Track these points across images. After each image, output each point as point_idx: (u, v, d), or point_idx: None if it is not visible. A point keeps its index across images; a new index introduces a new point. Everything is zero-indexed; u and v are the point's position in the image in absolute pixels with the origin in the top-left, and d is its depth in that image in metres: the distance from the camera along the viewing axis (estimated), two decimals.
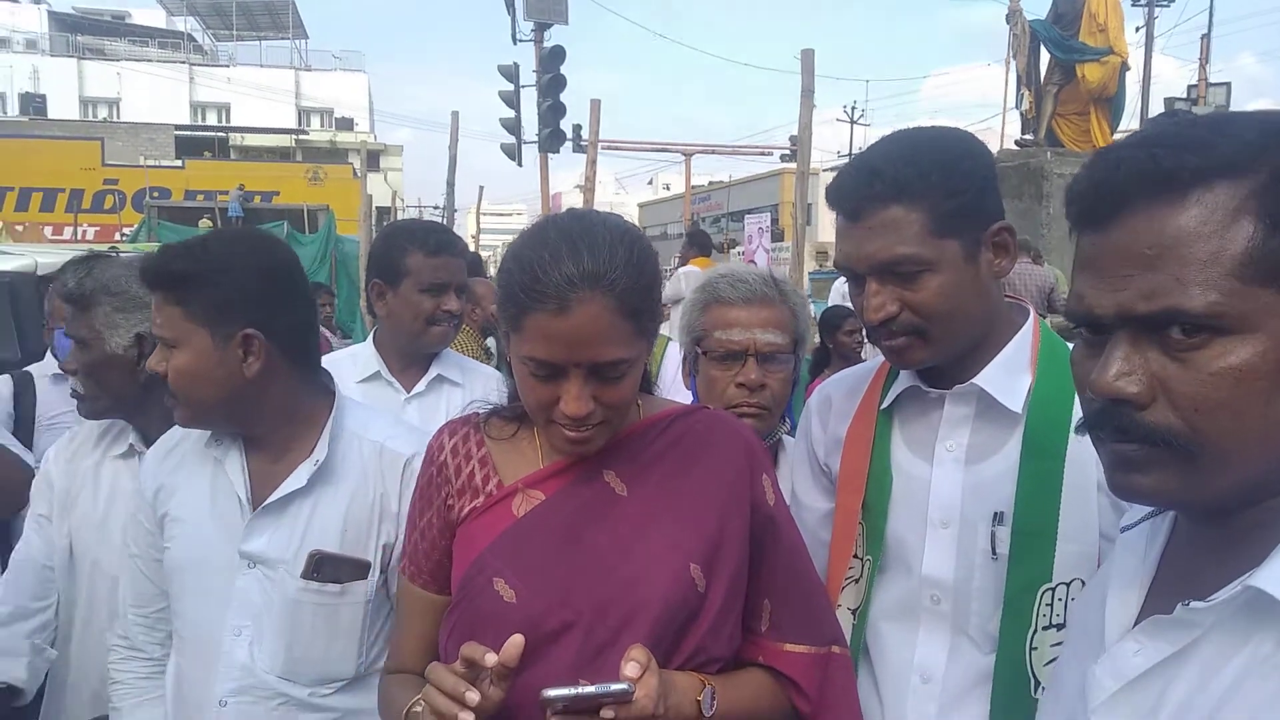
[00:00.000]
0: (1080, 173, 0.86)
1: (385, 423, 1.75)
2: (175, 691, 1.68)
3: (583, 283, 1.17)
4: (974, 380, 1.38)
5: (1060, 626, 1.30)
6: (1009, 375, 1.37)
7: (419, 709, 1.22)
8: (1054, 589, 1.31)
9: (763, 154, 35.53)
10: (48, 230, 25.94)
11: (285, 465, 1.63)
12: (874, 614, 1.46)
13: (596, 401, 1.23)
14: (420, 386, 2.42)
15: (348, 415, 1.69)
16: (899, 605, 1.43)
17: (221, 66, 44.55)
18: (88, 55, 42.31)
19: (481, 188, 19.62)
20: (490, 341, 4.65)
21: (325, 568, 1.59)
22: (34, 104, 37.79)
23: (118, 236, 20.68)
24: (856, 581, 1.47)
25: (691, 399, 1.88)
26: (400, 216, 29.48)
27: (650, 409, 1.40)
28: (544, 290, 1.18)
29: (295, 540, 1.59)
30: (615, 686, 1.12)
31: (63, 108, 38.86)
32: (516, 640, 1.14)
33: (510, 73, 13.92)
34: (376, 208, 15.72)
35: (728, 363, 1.77)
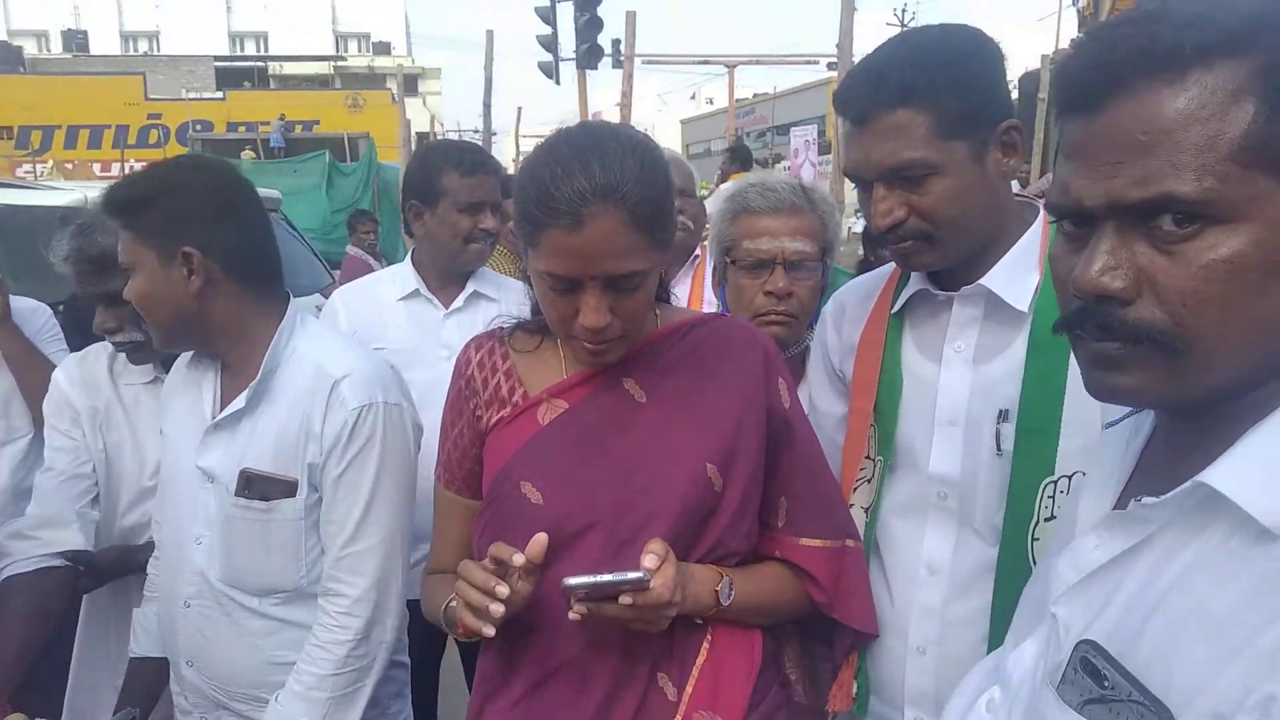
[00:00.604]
0: (1069, 53, 0.82)
1: (331, 344, 1.76)
2: (160, 593, 1.86)
3: (594, 197, 1.20)
4: (980, 281, 1.39)
5: None
6: (1016, 275, 1.38)
7: (455, 603, 1.30)
8: (1056, 482, 1.34)
9: (809, 63, 34.46)
10: (95, 167, 26.32)
11: (241, 384, 1.70)
12: (884, 511, 1.51)
13: (613, 313, 1.27)
14: (458, 302, 2.49)
15: (298, 336, 1.73)
16: (908, 502, 1.48)
17: None
18: None
19: (520, 109, 19.47)
20: None
21: (254, 485, 1.66)
22: (76, 40, 38.06)
23: None
24: (869, 481, 1.52)
25: (720, 308, 1.91)
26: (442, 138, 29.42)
27: (668, 318, 1.45)
28: (557, 206, 1.21)
29: (234, 458, 1.67)
30: (632, 575, 1.19)
31: (104, 43, 39.09)
32: (540, 539, 1.22)
33: None
34: (415, 133, 15.71)
35: (756, 271, 1.78)
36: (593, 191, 1.20)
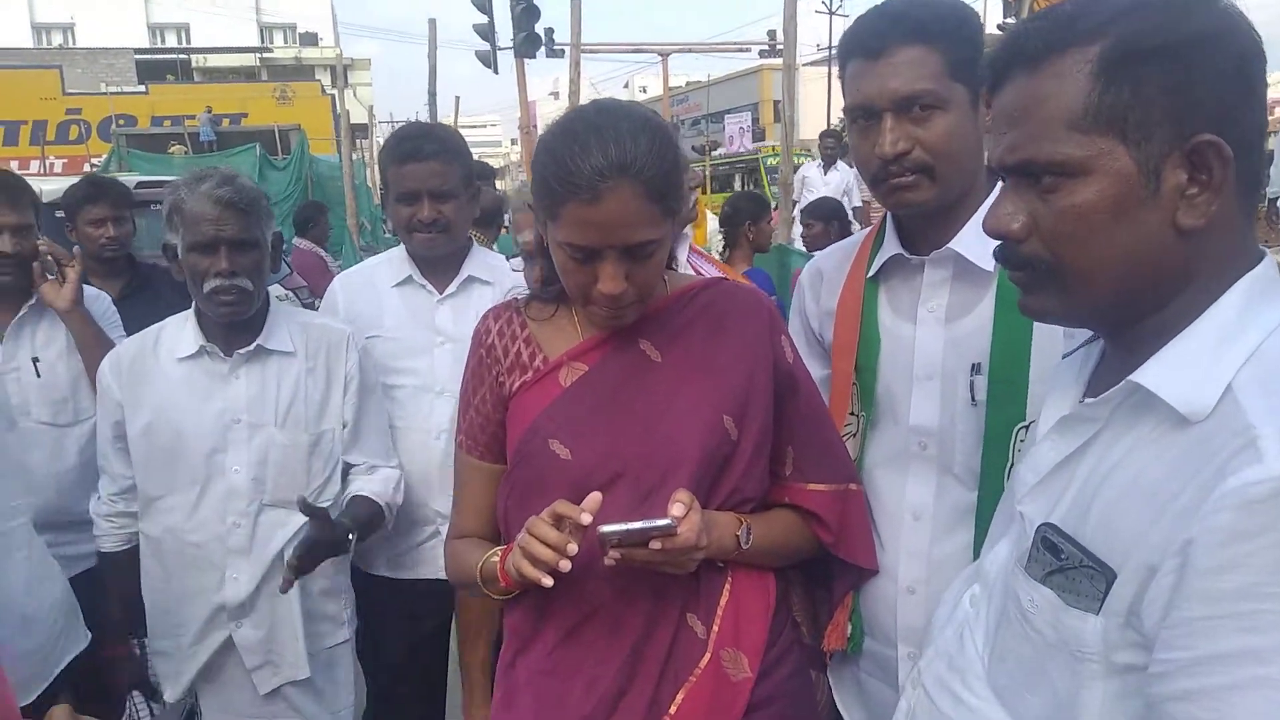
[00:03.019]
0: (993, 45, 1.04)
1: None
2: None
3: (611, 172, 1.29)
4: (949, 245, 1.52)
5: None
6: (982, 237, 1.49)
7: (495, 559, 1.42)
8: (1027, 427, 1.47)
9: (741, 50, 34.88)
10: (14, 165, 25.39)
11: None
12: (869, 463, 1.63)
13: (629, 280, 1.37)
14: (451, 288, 2.51)
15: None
16: (891, 453, 1.61)
17: None
18: None
19: (458, 98, 19.30)
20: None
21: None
22: None
23: (86, 168, 20.28)
24: (854, 436, 1.64)
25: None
26: (377, 132, 28.96)
27: (675, 283, 1.55)
28: (576, 181, 1.30)
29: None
30: (661, 522, 1.30)
31: (14, 35, 37.62)
32: (595, 496, 1.31)
33: None
34: (344, 126, 15.49)
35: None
36: (609, 167, 1.29)
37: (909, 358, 1.56)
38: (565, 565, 1.29)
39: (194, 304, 2.17)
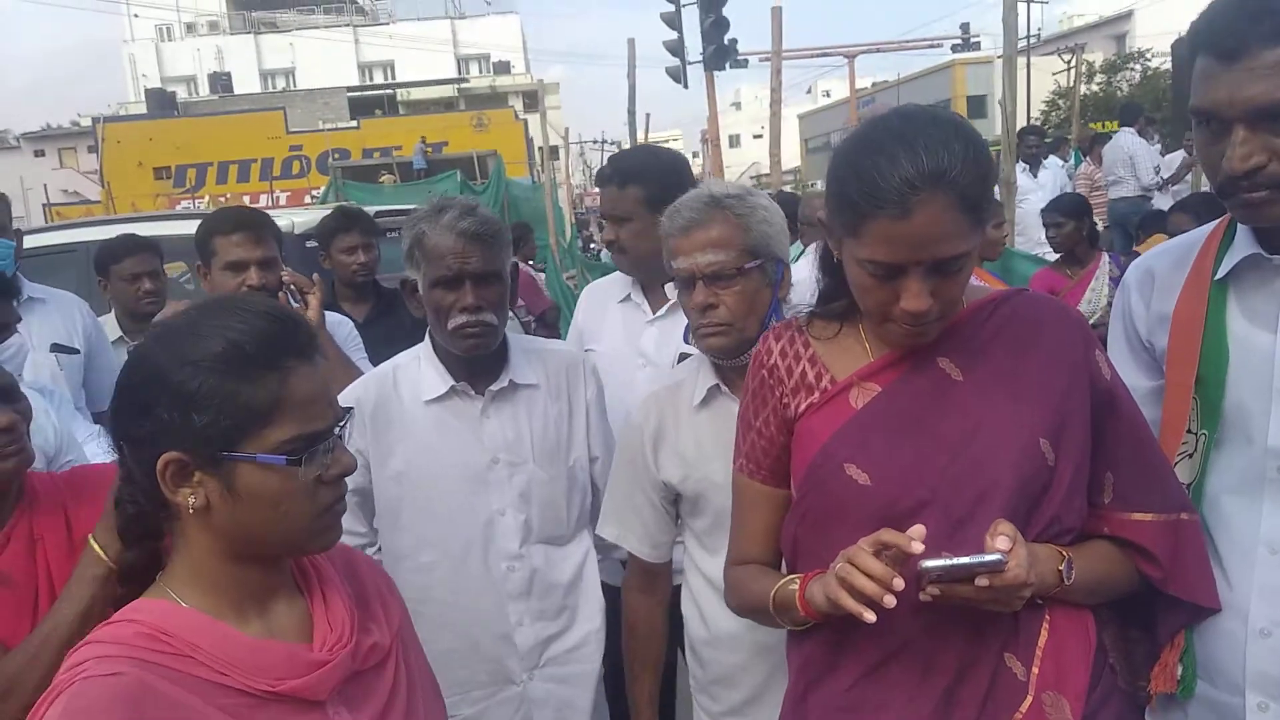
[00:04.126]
0: None
1: None
2: None
3: (923, 184, 1.19)
4: None
5: None
6: None
7: (794, 587, 1.34)
8: None
9: (933, 46, 33.67)
10: (245, 199, 27.91)
11: None
12: (1211, 488, 1.44)
13: (933, 296, 1.26)
14: (663, 310, 2.47)
15: None
16: (1242, 478, 1.41)
17: (382, 25, 46.16)
18: (263, 30, 44.83)
19: (648, 115, 19.56)
20: None
21: None
22: (221, 82, 40.52)
23: (307, 199, 22.00)
24: (1190, 456, 1.45)
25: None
26: (566, 155, 29.93)
27: (972, 295, 1.42)
28: (884, 195, 1.21)
29: None
30: (990, 557, 1.18)
31: (245, 82, 41.48)
32: (920, 528, 1.21)
33: None
34: (539, 148, 16.04)
35: (685, 290, 1.81)
36: (920, 178, 1.19)
37: (1268, 370, 1.36)
38: (890, 601, 1.19)
39: (428, 340, 2.09)
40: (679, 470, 1.87)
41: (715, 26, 13.00)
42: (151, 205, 23.83)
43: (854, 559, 1.23)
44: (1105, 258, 4.73)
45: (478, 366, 2.04)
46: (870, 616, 1.20)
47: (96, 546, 1.37)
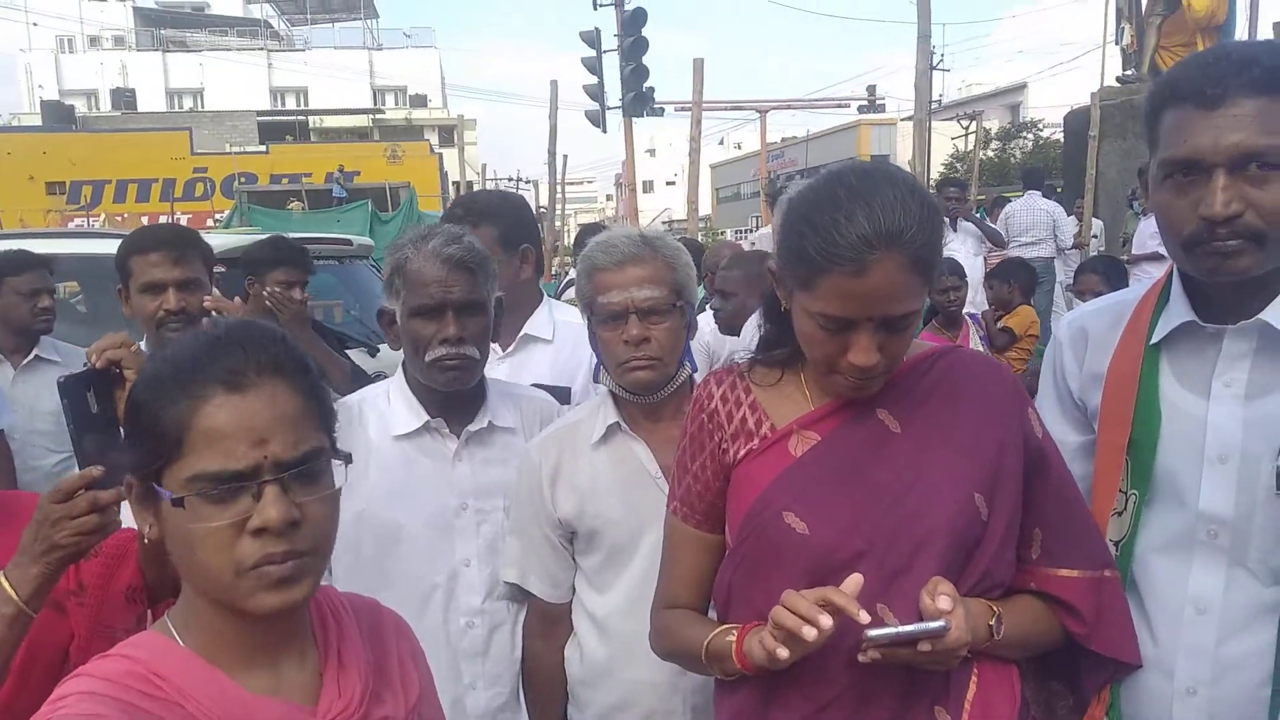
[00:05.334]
0: None
1: None
2: None
3: (880, 243, 1.21)
4: (1260, 316, 1.36)
5: None
6: None
7: (731, 638, 1.33)
8: None
9: (840, 106, 34.87)
10: (144, 220, 26.88)
11: None
12: (1140, 547, 1.47)
13: (881, 351, 1.28)
14: (511, 347, 2.49)
15: None
16: (1171, 539, 1.44)
17: (297, 51, 45.43)
18: (171, 48, 43.57)
19: (565, 156, 19.61)
20: None
21: None
22: (124, 98, 39.12)
23: (209, 223, 21.32)
24: (1119, 514, 1.49)
25: (596, 361, 1.93)
26: (481, 188, 29.81)
27: (910, 350, 1.44)
28: (841, 253, 1.22)
29: None
30: (934, 625, 1.20)
31: (151, 100, 40.15)
32: (857, 579, 1.21)
33: (591, 38, 13.90)
34: (454, 183, 15.96)
35: (613, 323, 1.80)
36: (878, 238, 1.21)
37: (1199, 436, 1.41)
38: (810, 633, 1.17)
39: (400, 373, 1.99)
40: (575, 506, 1.85)
41: (635, 74, 13.21)
42: (42, 221, 22.72)
43: (787, 601, 1.23)
44: (970, 322, 5.03)
45: (454, 404, 1.93)
46: (783, 653, 1.20)
47: (7, 585, 1.26)
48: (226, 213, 18.56)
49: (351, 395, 2.06)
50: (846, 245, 1.22)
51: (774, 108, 33.45)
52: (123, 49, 43.78)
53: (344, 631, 1.13)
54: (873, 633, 1.20)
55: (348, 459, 1.08)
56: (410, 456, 1.92)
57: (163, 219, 25.91)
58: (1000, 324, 5.47)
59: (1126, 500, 1.48)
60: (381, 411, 1.96)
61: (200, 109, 39.06)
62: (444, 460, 1.93)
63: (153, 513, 1.02)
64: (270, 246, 3.54)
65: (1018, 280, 5.66)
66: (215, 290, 2.65)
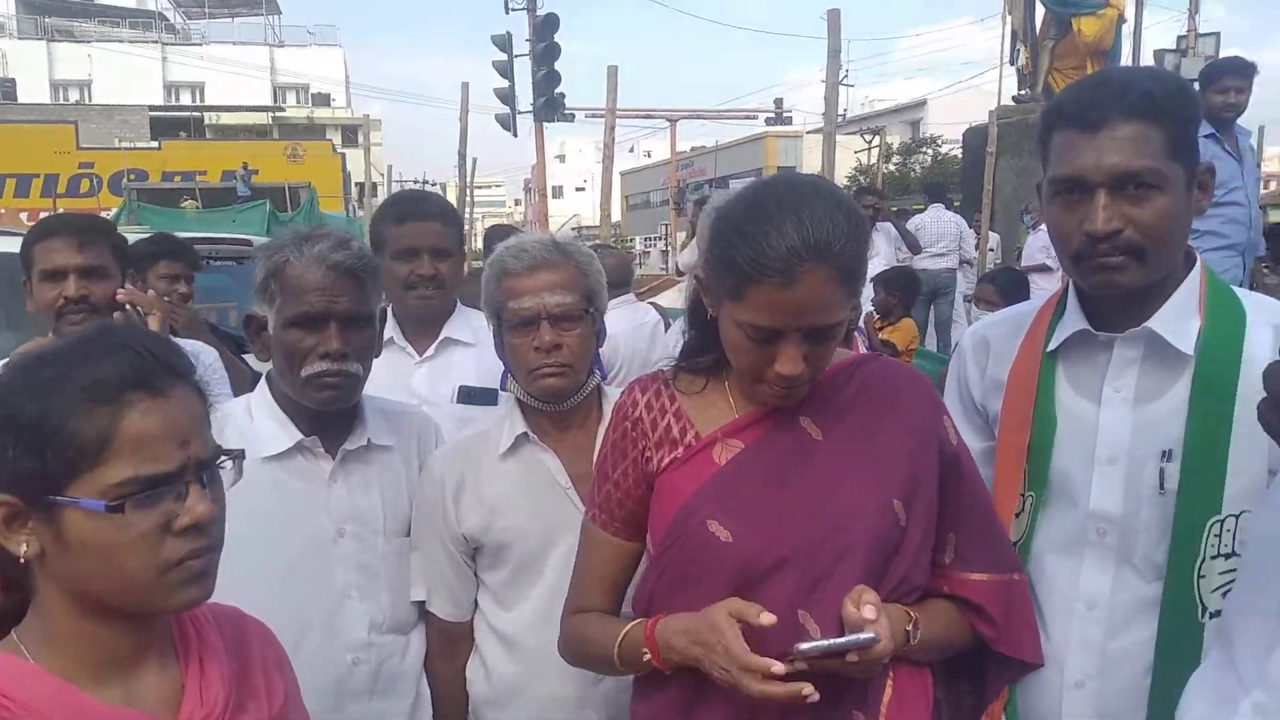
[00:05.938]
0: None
1: None
2: None
3: (809, 255, 1.24)
4: (1147, 324, 1.44)
5: (1229, 555, 1.38)
6: (1180, 319, 1.44)
7: (639, 632, 1.37)
8: (1223, 520, 1.38)
9: (749, 117, 35.45)
10: (24, 216, 25.48)
11: None
12: (1037, 547, 1.54)
13: (807, 361, 1.31)
14: (430, 351, 2.45)
15: None
16: (1064, 538, 1.52)
17: (194, 45, 43.83)
18: (57, 37, 41.51)
19: (474, 159, 19.38)
20: None
21: None
22: (3, 88, 37.08)
23: None
24: (1017, 516, 1.55)
25: (504, 368, 1.91)
26: (385, 192, 29.27)
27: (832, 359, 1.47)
28: (770, 264, 1.24)
29: None
30: (863, 637, 1.22)
31: (33, 91, 38.15)
32: (771, 616, 1.24)
33: (503, 42, 13.83)
34: (358, 184, 15.62)
35: (524, 329, 1.76)
36: (806, 249, 1.24)
37: (1090, 439, 1.48)
38: (808, 689, 1.21)
39: (264, 387, 1.84)
40: (482, 519, 1.81)
41: (547, 79, 13.20)
42: None
43: (729, 644, 1.24)
44: (858, 335, 5.14)
45: (329, 421, 1.79)
46: (779, 668, 1.21)
47: None
48: (114, 210, 17.76)
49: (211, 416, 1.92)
50: (776, 257, 1.24)
51: (684, 117, 33.77)
52: (3, 36, 41.52)
53: (205, 641, 1.13)
54: (804, 645, 1.22)
55: (240, 455, 1.11)
56: (280, 480, 1.76)
57: (43, 215, 24.65)
58: (882, 337, 5.57)
59: (1024, 502, 1.55)
60: (243, 430, 1.76)
61: (87, 102, 37.30)
62: (319, 482, 1.79)
63: (31, 528, 0.98)
64: (151, 240, 3.41)
65: (902, 291, 5.77)
66: (129, 285, 2.51)
